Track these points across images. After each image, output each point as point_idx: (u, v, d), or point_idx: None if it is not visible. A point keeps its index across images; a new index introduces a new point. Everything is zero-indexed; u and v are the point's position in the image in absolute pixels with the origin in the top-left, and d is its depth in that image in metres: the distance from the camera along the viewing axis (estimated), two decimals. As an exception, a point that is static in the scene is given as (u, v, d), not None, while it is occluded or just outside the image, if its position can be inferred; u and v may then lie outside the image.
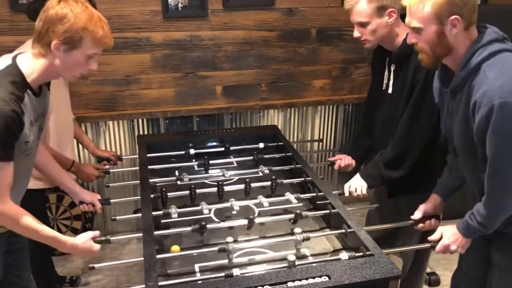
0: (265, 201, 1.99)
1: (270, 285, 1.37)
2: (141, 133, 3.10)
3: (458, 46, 1.49)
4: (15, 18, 2.66)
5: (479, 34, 1.50)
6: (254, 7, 3.01)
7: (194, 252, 1.68)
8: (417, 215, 1.84)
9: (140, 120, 3.08)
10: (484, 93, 1.40)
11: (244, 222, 1.85)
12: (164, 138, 2.82)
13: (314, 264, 1.50)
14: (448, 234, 1.65)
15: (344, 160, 2.41)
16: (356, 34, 1.99)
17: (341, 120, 3.48)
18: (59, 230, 2.89)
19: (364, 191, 2.06)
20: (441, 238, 1.66)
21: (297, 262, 1.50)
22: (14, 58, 1.54)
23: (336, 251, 1.73)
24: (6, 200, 1.48)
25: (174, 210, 1.91)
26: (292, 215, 1.89)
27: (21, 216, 1.50)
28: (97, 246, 1.64)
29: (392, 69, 2.05)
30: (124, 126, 3.07)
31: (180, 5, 2.89)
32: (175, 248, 1.71)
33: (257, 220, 1.86)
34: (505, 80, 1.38)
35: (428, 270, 2.86)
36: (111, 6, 2.79)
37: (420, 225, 1.83)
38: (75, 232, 3.05)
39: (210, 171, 2.36)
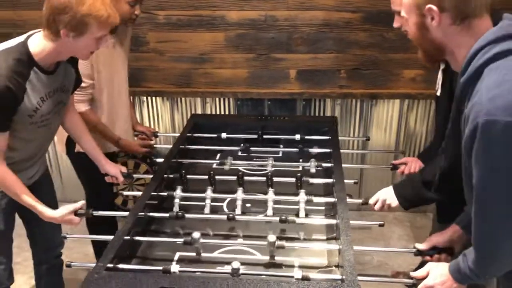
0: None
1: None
2: (213, 112, 3.13)
3: (454, 45, 1.14)
4: None
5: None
6: (336, -14, 2.76)
7: (176, 240, 1.64)
8: (423, 245, 1.51)
9: (211, 99, 3.10)
10: (472, 106, 1.06)
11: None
12: (214, 120, 2.77)
13: (254, 277, 1.34)
14: (435, 273, 1.32)
15: (411, 165, 2.07)
16: (395, 24, 1.73)
17: (433, 117, 3.03)
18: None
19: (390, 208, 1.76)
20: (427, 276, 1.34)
21: (241, 271, 1.36)
22: (28, 37, 1.64)
23: (328, 267, 1.53)
24: None
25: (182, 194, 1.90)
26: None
27: (7, 179, 1.62)
28: (76, 219, 1.70)
29: (441, 68, 1.69)
30: (197, 104, 3.13)
31: (255, -17, 2.78)
32: None
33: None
34: (499, 91, 1.01)
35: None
36: (187, -17, 2.82)
37: (427, 257, 1.49)
38: (147, 199, 3.23)
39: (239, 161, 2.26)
